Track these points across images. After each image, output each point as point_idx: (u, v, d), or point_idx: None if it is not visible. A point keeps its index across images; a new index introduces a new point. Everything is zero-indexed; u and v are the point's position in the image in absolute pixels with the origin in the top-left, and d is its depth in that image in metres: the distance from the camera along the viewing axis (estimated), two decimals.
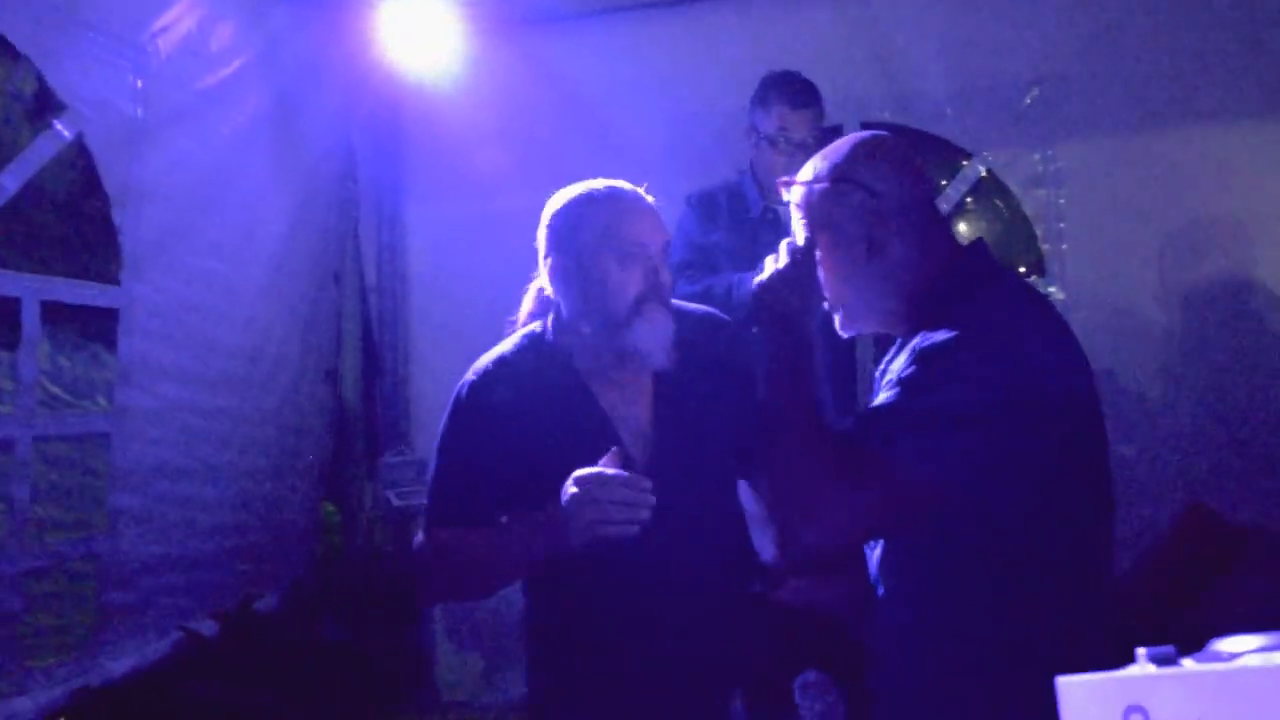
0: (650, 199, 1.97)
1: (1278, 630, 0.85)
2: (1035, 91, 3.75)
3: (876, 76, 3.89)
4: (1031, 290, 1.83)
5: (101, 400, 3.47)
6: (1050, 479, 1.58)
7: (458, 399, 1.94)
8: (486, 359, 1.98)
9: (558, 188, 3.87)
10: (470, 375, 1.96)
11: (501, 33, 3.92)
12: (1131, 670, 0.83)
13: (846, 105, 3.81)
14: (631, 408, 1.94)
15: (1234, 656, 0.78)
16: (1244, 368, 3.58)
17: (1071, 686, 0.88)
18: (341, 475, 4.15)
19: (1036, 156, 3.77)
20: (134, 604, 3.01)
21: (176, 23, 3.16)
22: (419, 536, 1.94)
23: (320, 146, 3.95)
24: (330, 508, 4.31)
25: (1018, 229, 3.95)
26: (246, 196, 3.51)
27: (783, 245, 1.85)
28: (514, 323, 2.11)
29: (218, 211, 3.37)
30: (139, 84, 3.03)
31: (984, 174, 3.94)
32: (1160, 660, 0.80)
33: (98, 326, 3.28)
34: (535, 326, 2.02)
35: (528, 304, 2.10)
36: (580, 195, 1.96)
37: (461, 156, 3.95)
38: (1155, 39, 3.61)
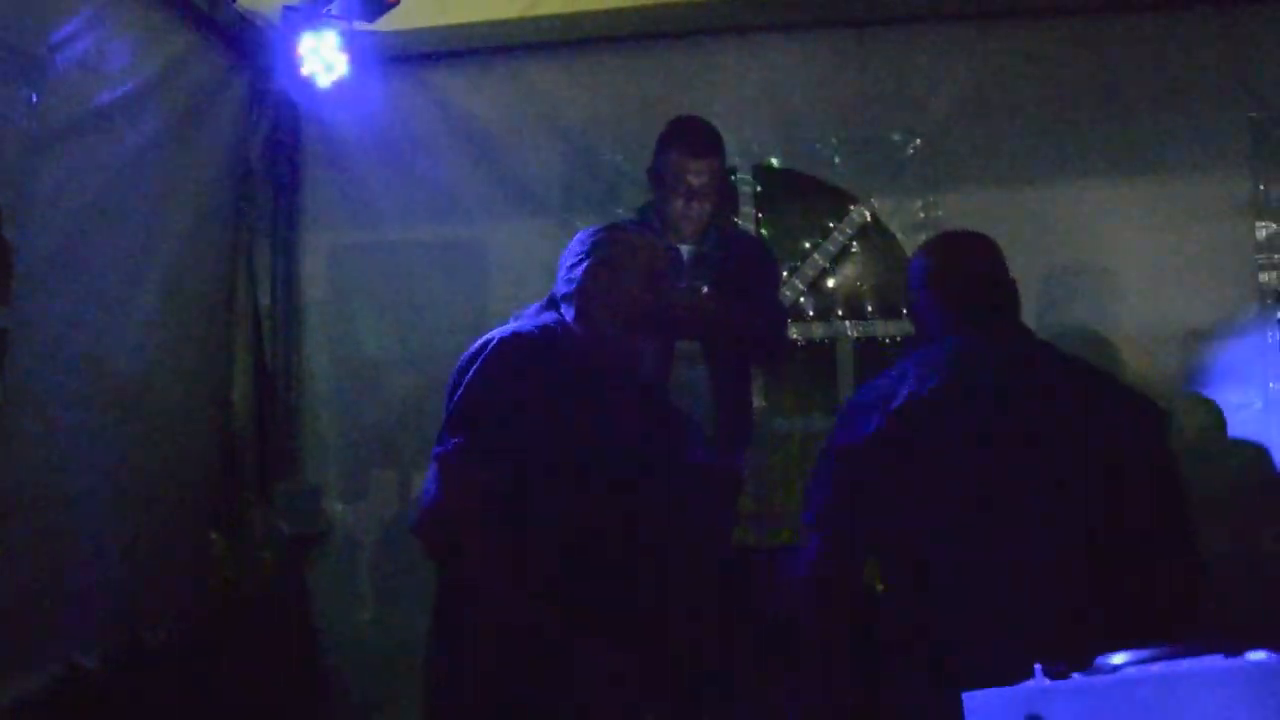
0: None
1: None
2: (917, 143, 3.96)
3: (769, 123, 4.05)
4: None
5: None
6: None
7: (495, 349, 2.19)
8: (521, 324, 2.32)
9: (455, 220, 3.96)
10: (504, 333, 2.25)
11: (404, 65, 3.96)
12: (1029, 683, 0.93)
13: (740, 150, 3.94)
14: (635, 408, 2.34)
15: (1118, 669, 0.89)
16: None
17: (975, 699, 0.98)
18: (232, 503, 4.08)
19: (918, 204, 3.98)
20: (14, 636, 2.92)
21: (74, 38, 3.11)
22: (435, 468, 2.09)
23: (217, 169, 3.91)
24: (217, 538, 4.22)
25: (900, 272, 4.14)
26: (141, 217, 3.45)
27: None
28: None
29: (112, 231, 3.30)
30: (33, 98, 2.97)
31: (868, 218, 4.12)
32: (1054, 675, 0.90)
33: None
34: (551, 316, 2.36)
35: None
36: (621, 231, 2.56)
37: (360, 185, 3.97)
38: (1025, 101, 3.89)
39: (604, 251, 2.42)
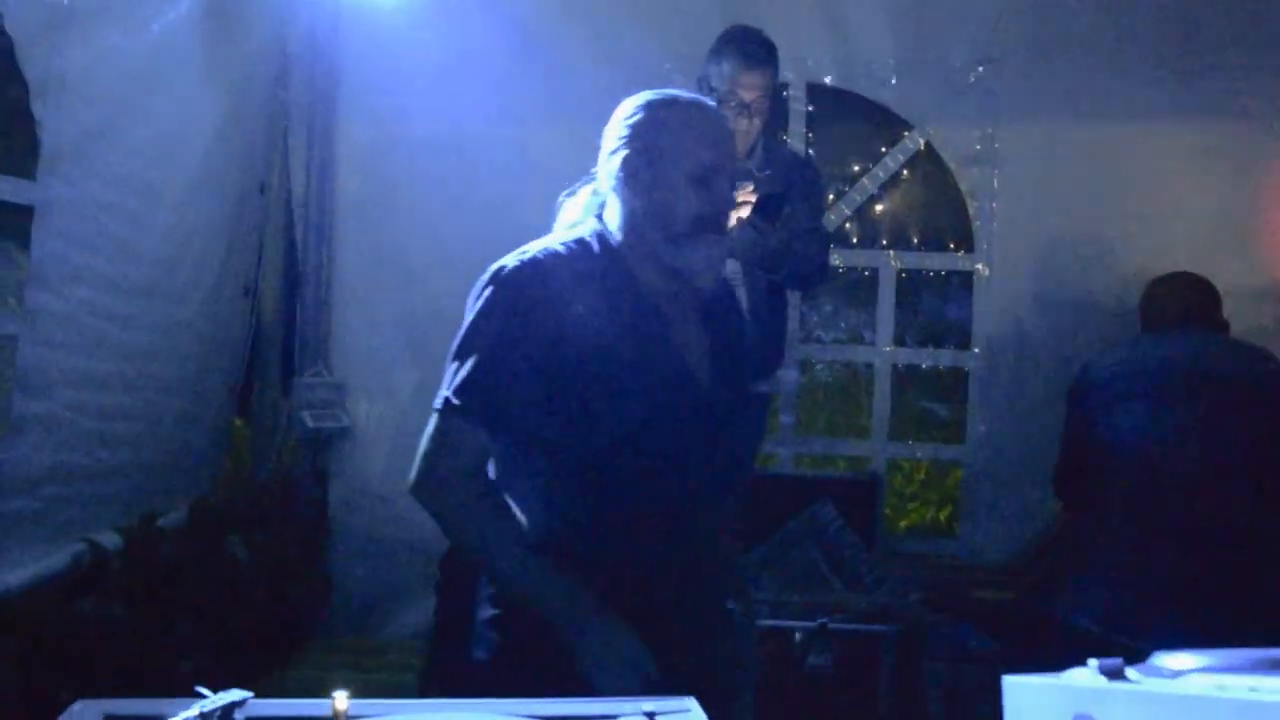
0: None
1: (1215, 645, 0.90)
2: (980, 70, 3.80)
3: (825, 39, 3.90)
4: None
5: (11, 301, 3.33)
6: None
7: (502, 283, 1.84)
8: (532, 248, 1.89)
9: (497, 120, 3.85)
10: (513, 261, 1.86)
11: None
12: (1081, 678, 0.87)
13: (793, 66, 3.80)
14: (690, 327, 1.94)
15: (1178, 674, 0.82)
16: None
17: (1019, 687, 0.92)
18: (256, 394, 4.06)
19: (975, 134, 3.84)
20: (35, 513, 2.92)
21: None
22: (435, 423, 1.83)
23: (253, 51, 3.81)
24: (240, 425, 4.23)
25: (950, 204, 4.02)
26: (174, 98, 3.37)
27: None
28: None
29: (143, 112, 3.22)
30: None
31: (922, 147, 3.99)
32: (1110, 673, 0.84)
33: (11, 224, 3.13)
34: (588, 228, 1.94)
35: (568, 215, 2.03)
36: (665, 99, 1.92)
37: (401, 75, 3.85)
38: (1099, 34, 3.72)
39: (652, 134, 1.88)
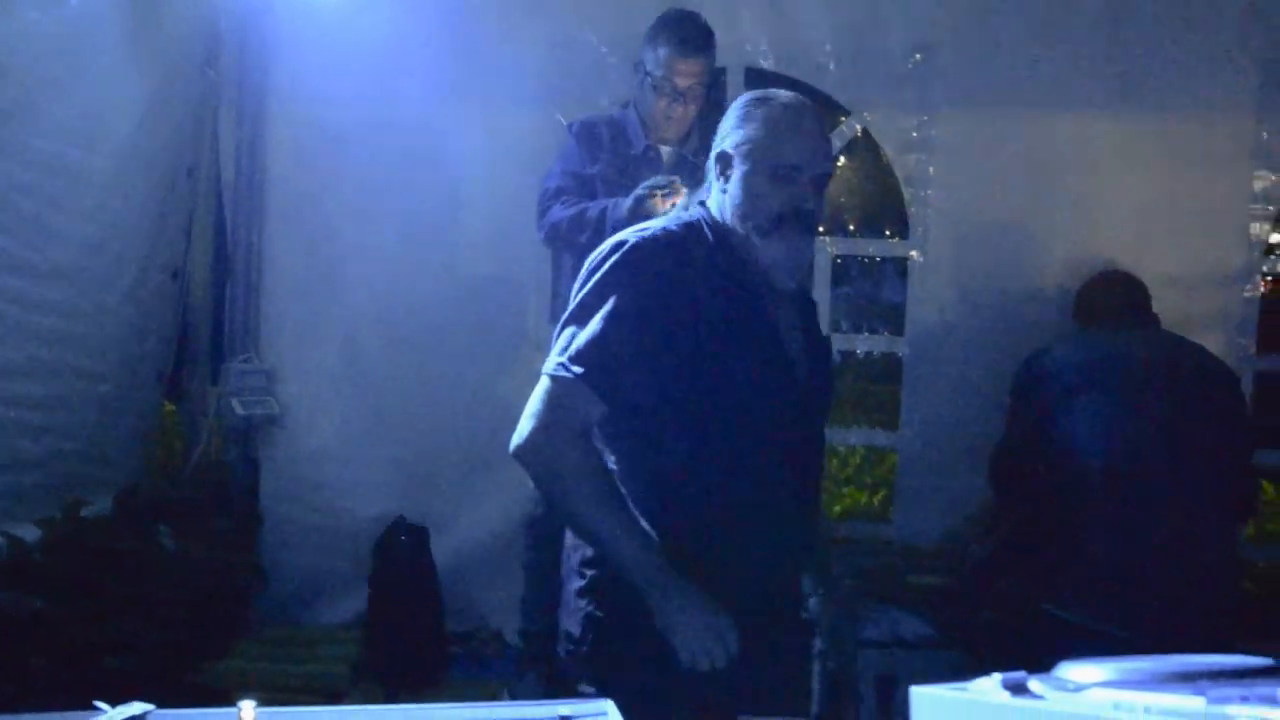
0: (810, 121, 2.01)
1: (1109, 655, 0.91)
2: (918, 58, 3.81)
3: (763, 24, 3.88)
4: None
5: None
6: None
7: (624, 255, 1.92)
8: (646, 228, 1.99)
9: (430, 104, 3.78)
10: (633, 236, 1.95)
11: None
12: (985, 688, 0.87)
13: (730, 50, 3.78)
14: (785, 314, 2.02)
15: (1081, 688, 0.82)
16: None
17: (925, 697, 0.92)
18: (185, 381, 3.98)
19: (912, 121, 3.85)
20: None
21: None
22: (547, 386, 1.90)
23: (181, 30, 3.71)
24: (170, 412, 4.15)
25: (886, 190, 4.04)
26: (98, 77, 3.28)
27: None
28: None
29: (66, 91, 3.13)
30: None
31: (859, 133, 3.99)
32: (1013, 688, 0.84)
33: None
34: (694, 213, 2.03)
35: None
36: (761, 96, 2.03)
37: (334, 57, 3.76)
38: (1031, 25, 3.74)
39: (743, 129, 1.97)
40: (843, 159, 4.02)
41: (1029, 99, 3.76)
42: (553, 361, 1.91)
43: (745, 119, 1.98)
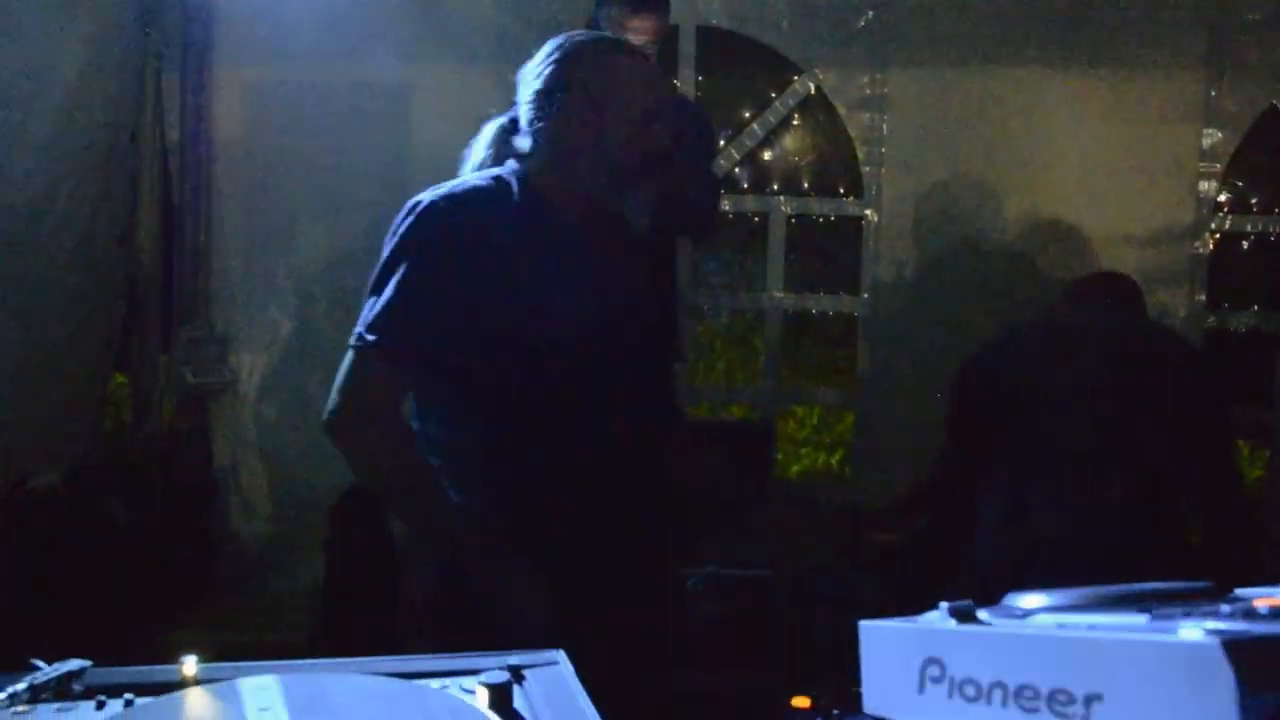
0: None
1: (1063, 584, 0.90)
2: (870, 14, 3.79)
3: None
4: None
5: None
6: None
7: (418, 218, 1.80)
8: (451, 185, 1.86)
9: (380, 63, 3.73)
10: (429, 196, 1.82)
11: None
12: (932, 622, 0.86)
13: (683, 7, 3.74)
14: (610, 265, 1.92)
15: (1028, 614, 0.82)
16: (1035, 300, 3.79)
17: (872, 631, 0.91)
18: (134, 349, 3.91)
19: (865, 79, 3.83)
20: None
21: None
22: (349, 359, 1.78)
23: None
24: (120, 382, 4.08)
25: (840, 149, 4.03)
26: (31, 37, 3.19)
27: None
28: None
29: None
30: None
31: (812, 91, 3.98)
32: (959, 615, 0.83)
33: None
34: (507, 168, 1.91)
35: (481, 148, 1.96)
36: (608, 43, 1.96)
37: (276, 18, 3.70)
38: None
39: (590, 76, 1.84)
40: (796, 118, 3.99)
41: (981, 56, 3.77)
42: (354, 332, 1.80)
43: (588, 66, 1.86)
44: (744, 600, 3.16)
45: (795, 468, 5.29)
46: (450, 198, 1.82)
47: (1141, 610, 0.71)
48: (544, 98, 1.85)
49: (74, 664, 1.09)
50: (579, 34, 1.94)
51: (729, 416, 4.53)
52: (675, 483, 2.03)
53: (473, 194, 1.84)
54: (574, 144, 1.85)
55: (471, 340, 1.78)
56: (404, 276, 1.76)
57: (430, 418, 1.86)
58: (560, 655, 1.33)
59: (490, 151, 1.94)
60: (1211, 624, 0.61)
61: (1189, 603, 0.72)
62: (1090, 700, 0.67)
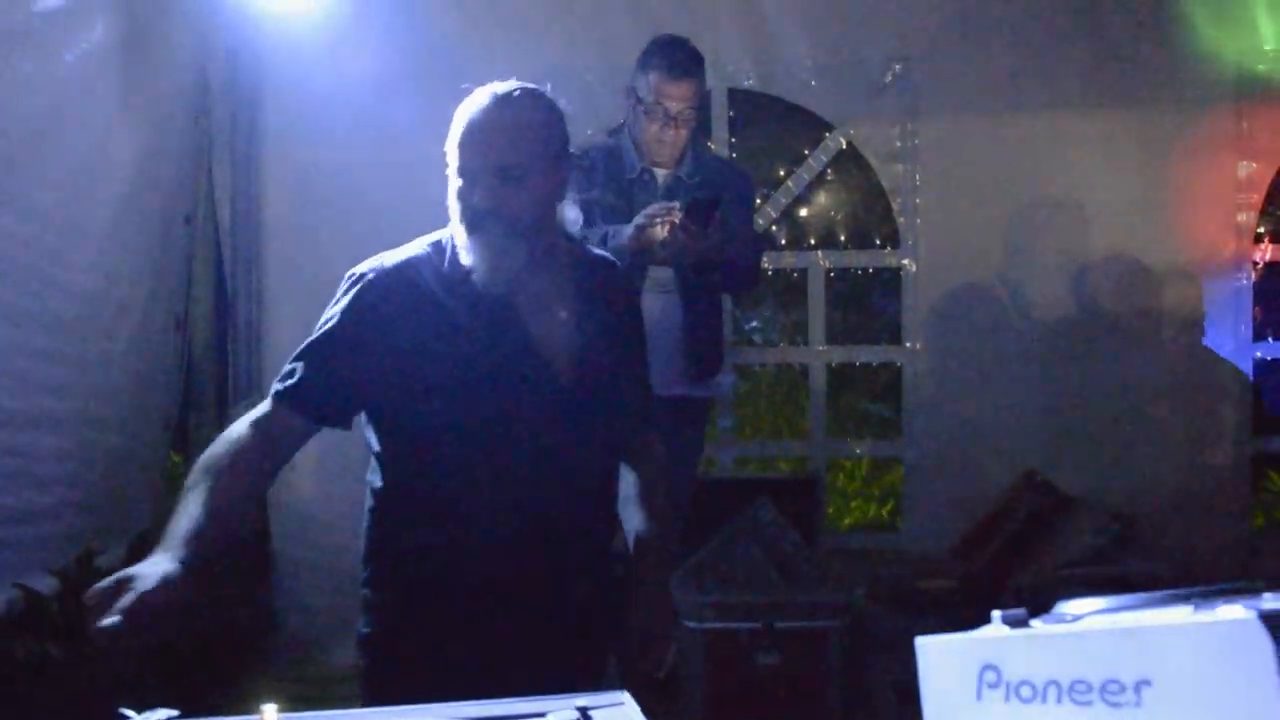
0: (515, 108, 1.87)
1: (1114, 593, 0.93)
2: (896, 69, 3.86)
3: (744, 45, 3.94)
4: None
5: None
6: None
7: (348, 286, 1.89)
8: (388, 254, 1.93)
9: (417, 142, 3.82)
10: (365, 265, 1.91)
11: None
12: (986, 631, 0.89)
13: (713, 72, 3.84)
14: (534, 320, 1.90)
15: (1078, 618, 0.84)
16: (1078, 341, 3.81)
17: (929, 646, 0.94)
18: (191, 429, 4.00)
19: (895, 131, 3.90)
20: None
21: None
22: (267, 399, 1.87)
23: (173, 80, 3.77)
24: (177, 459, 4.16)
25: (874, 201, 4.08)
26: (92, 129, 3.33)
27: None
28: None
29: (60, 143, 3.18)
30: None
31: (844, 146, 4.04)
32: (1013, 622, 0.86)
33: None
34: (441, 234, 1.95)
35: None
36: (467, 91, 1.93)
37: (322, 101, 3.83)
38: (1007, 29, 3.81)
39: (479, 134, 1.83)
40: (830, 173, 4.05)
41: (1010, 103, 3.83)
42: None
43: (454, 128, 1.87)
44: (802, 651, 3.16)
45: (847, 520, 5.28)
46: (379, 268, 1.90)
47: (1186, 604, 0.73)
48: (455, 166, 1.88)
49: (163, 713, 1.14)
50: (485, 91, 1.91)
51: (777, 472, 4.55)
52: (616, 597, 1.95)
53: (403, 265, 1.90)
54: (476, 212, 1.84)
55: (380, 403, 1.88)
56: (319, 338, 1.88)
57: (370, 465, 1.98)
58: (625, 696, 1.36)
59: None
60: (1250, 604, 0.64)
61: (1229, 597, 0.75)
62: (1140, 687, 0.69)
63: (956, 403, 3.89)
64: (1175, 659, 0.67)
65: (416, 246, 1.95)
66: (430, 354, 1.84)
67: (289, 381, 1.86)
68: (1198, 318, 3.78)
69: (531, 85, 1.94)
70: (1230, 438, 3.79)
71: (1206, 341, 3.76)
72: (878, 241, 4.14)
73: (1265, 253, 3.93)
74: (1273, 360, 3.91)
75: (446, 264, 1.89)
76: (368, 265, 1.92)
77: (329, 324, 1.88)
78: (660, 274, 3.27)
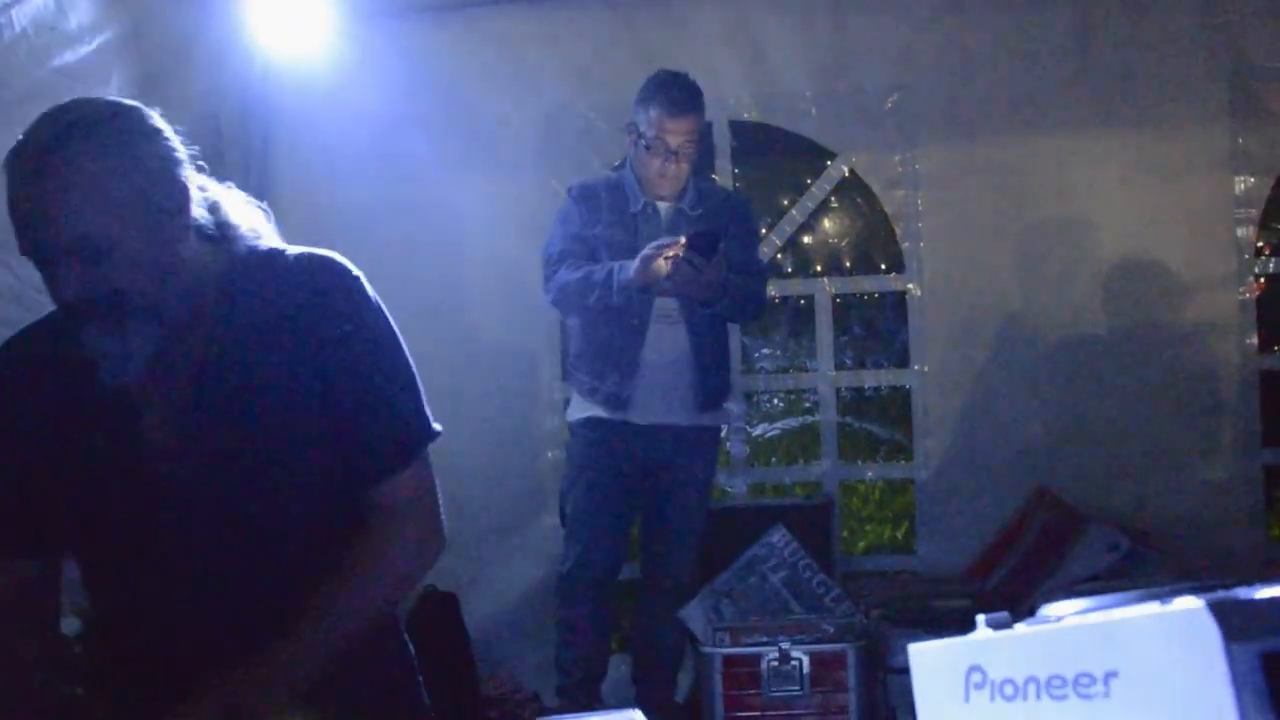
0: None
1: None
2: (895, 96, 3.92)
3: (744, 77, 4.01)
4: None
5: None
6: None
7: None
8: (14, 337, 1.67)
9: (426, 181, 3.91)
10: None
11: (373, 21, 3.90)
12: (972, 634, 0.93)
13: (714, 104, 3.90)
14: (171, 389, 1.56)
15: (1059, 619, 0.88)
16: (1084, 358, 3.84)
17: (920, 652, 0.98)
18: None
19: (896, 158, 3.95)
20: None
21: None
22: None
23: (186, 130, 3.85)
24: None
25: (878, 227, 4.13)
26: None
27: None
28: None
29: None
30: None
31: (846, 173, 4.10)
32: (996, 625, 0.90)
33: None
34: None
35: None
36: (16, 145, 1.53)
37: (332, 143, 3.91)
38: (1001, 54, 3.86)
39: (35, 205, 1.42)
40: (833, 200, 4.10)
41: (1007, 126, 3.87)
42: None
43: None
44: (820, 674, 3.18)
45: (861, 544, 5.30)
46: (10, 342, 1.66)
47: (1158, 599, 0.77)
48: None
49: None
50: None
51: (791, 498, 4.57)
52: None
53: (26, 342, 1.65)
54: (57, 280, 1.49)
55: (30, 514, 1.63)
56: None
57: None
58: (637, 714, 1.40)
59: None
60: (1209, 596, 0.68)
61: (1203, 591, 0.78)
62: (1109, 678, 0.73)
63: (966, 423, 3.92)
64: (1138, 650, 0.71)
65: (40, 324, 1.65)
66: (58, 467, 1.56)
67: None
68: (1202, 332, 3.80)
69: (98, 103, 1.53)
70: (1241, 450, 3.80)
71: (1212, 355, 3.78)
72: (883, 266, 4.18)
73: (1268, 265, 3.95)
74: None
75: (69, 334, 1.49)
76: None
77: None
78: (667, 305, 3.32)
